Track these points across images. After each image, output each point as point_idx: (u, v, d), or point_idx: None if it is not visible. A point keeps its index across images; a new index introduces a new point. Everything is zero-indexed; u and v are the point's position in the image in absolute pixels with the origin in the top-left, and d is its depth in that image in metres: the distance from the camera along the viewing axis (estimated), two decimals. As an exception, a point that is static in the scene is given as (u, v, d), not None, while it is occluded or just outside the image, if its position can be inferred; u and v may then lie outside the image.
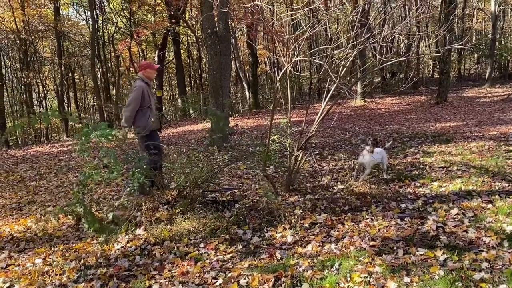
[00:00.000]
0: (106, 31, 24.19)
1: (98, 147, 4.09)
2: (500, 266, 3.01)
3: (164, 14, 20.89)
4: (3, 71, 21.12)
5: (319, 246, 3.59)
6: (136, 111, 5.11)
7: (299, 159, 5.04)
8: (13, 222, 4.95)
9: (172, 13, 18.03)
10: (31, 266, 3.63)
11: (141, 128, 5.10)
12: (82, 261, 3.62)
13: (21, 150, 12.40)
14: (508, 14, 28.12)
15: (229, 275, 3.20)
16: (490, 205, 4.21)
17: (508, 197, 4.38)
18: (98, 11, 21.77)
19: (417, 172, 5.73)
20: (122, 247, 3.88)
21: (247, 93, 21.73)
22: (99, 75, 22.44)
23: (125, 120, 5.07)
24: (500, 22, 24.61)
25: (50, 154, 10.71)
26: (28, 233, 4.52)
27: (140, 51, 24.82)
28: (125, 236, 4.09)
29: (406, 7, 21.35)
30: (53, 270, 3.50)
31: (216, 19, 9.07)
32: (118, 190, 5.97)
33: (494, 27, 20.67)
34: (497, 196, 4.42)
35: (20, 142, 19.01)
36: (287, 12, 5.63)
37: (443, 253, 3.22)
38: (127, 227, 4.24)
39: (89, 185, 4.12)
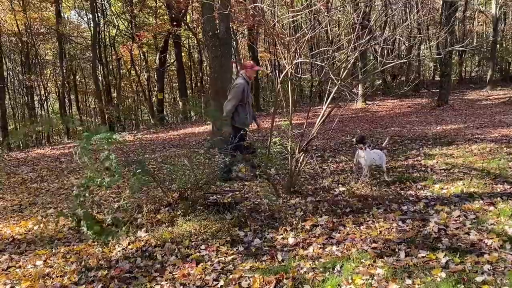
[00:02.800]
0: (107, 34, 24.25)
1: (99, 149, 4.09)
2: (502, 268, 3.00)
3: (165, 17, 20.96)
4: (5, 73, 21.16)
5: (320, 248, 3.59)
6: (236, 106, 5.59)
7: (300, 161, 5.04)
8: (14, 224, 4.95)
9: (174, 15, 18.08)
10: (32, 268, 3.63)
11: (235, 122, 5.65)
12: (83, 263, 3.62)
13: (23, 152, 12.41)
14: (509, 16, 28.12)
15: (230, 277, 3.20)
16: (492, 207, 4.20)
17: (510, 199, 4.37)
18: (99, 14, 21.83)
19: (418, 174, 5.72)
20: (123, 249, 3.88)
21: (248, 95, 21.71)
22: (100, 78, 22.48)
23: (226, 113, 5.58)
24: (501, 24, 24.63)
25: (51, 157, 10.72)
26: (29, 235, 4.52)
27: (141, 54, 24.86)
28: (126, 238, 4.08)
29: (407, 9, 21.35)
30: (54, 272, 3.49)
31: (217, 21, 9.08)
32: (119, 192, 5.96)
33: (495, 30, 20.68)
34: (499, 198, 4.41)
35: (21, 145, 19.03)
36: (288, 14, 5.64)
37: (445, 255, 3.21)
38: (128, 229, 4.23)
39: (91, 187, 4.12)
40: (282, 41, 4.91)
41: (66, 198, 6.01)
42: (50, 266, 3.64)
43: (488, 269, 3.00)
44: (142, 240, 4.00)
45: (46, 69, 25.49)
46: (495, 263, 3.08)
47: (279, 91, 5.01)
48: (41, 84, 23.82)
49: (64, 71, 22.54)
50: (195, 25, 21.15)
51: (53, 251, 3.98)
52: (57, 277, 3.42)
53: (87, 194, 4.07)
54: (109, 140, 3.86)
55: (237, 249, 3.69)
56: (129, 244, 3.96)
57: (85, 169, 4.15)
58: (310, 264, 3.28)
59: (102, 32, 23.21)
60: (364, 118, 14.21)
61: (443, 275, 2.95)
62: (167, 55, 23.02)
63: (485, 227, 3.72)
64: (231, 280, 3.15)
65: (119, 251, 3.84)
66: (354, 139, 5.52)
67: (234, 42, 19.02)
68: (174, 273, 3.34)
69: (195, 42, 24.07)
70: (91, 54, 20.60)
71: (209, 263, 3.47)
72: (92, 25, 20.05)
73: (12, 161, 10.39)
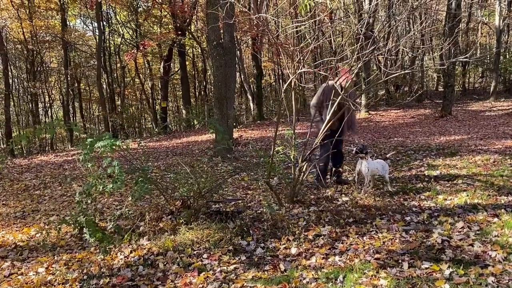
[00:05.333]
0: (112, 42, 24.44)
1: (102, 156, 4.10)
2: (507, 281, 2.97)
3: (170, 26, 21.12)
4: (10, 81, 21.30)
5: (323, 258, 3.57)
6: (316, 107, 5.69)
7: (303, 170, 5.04)
8: (16, 230, 4.95)
9: (178, 25, 18.22)
10: (34, 275, 3.63)
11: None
12: (85, 271, 3.61)
13: (26, 159, 12.45)
14: (512, 28, 28.17)
15: (233, 286, 3.18)
16: (496, 219, 4.18)
17: (514, 211, 4.34)
18: (104, 23, 22.02)
19: (422, 185, 5.70)
20: (125, 257, 3.87)
21: (251, 104, 21.81)
22: (104, 86, 22.61)
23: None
24: (505, 36, 24.64)
25: (54, 164, 10.75)
26: (31, 242, 4.52)
27: (145, 62, 25.02)
28: (128, 246, 4.08)
29: (411, 20, 21.45)
30: (56, 280, 3.49)
31: (221, 31, 9.14)
32: (122, 200, 5.97)
33: (499, 41, 20.70)
34: (503, 210, 4.38)
35: (25, 151, 19.10)
36: (292, 24, 5.67)
37: (449, 267, 3.19)
38: (131, 237, 4.23)
39: (93, 194, 4.13)
40: (286, 50, 4.94)
41: (69, 205, 6.02)
42: (52, 273, 3.64)
43: (492, 281, 2.97)
44: (144, 248, 4.00)
45: (50, 77, 25.67)
46: (499, 276, 3.05)
47: (283, 100, 5.02)
48: (46, 91, 23.96)
49: (69, 78, 22.69)
50: (200, 34, 21.32)
51: (55, 258, 3.98)
52: (59, 284, 3.41)
53: (89, 201, 4.08)
54: (112, 147, 3.87)
55: (239, 258, 3.67)
56: (131, 252, 3.95)
57: (88, 176, 4.16)
58: (312, 274, 3.26)
59: (107, 41, 23.41)
60: (367, 128, 14.20)
61: (447, 286, 2.92)
62: (171, 64, 23.16)
63: (489, 239, 3.70)
64: (233, 290, 3.13)
65: (121, 259, 3.84)
66: (354, 150, 5.49)
67: (238, 52, 19.11)
68: (176, 282, 3.33)
69: (199, 51, 24.22)
70: (95, 62, 20.72)
71: (211, 272, 3.45)
72: (97, 33, 20.22)
73: (16, 167, 10.43)
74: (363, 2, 17.37)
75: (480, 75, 29.37)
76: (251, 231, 4.22)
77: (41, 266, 3.80)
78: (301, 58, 4.77)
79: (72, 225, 4.33)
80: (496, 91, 20.68)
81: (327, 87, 5.61)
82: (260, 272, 3.38)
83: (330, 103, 5.20)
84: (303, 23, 5.28)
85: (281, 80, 26.06)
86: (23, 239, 4.62)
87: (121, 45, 24.00)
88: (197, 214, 4.54)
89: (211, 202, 5.07)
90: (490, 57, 23.80)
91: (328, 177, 6.08)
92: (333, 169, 5.91)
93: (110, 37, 24.17)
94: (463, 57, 7.46)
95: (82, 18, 24.85)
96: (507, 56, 25.88)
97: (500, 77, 23.82)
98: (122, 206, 5.37)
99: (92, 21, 23.49)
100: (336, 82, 5.25)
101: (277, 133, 4.93)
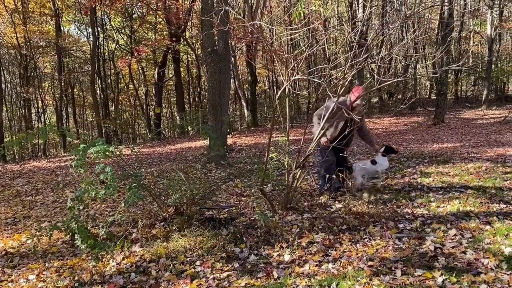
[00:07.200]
0: (106, 48, 24.41)
1: (95, 162, 4.08)
2: (499, 288, 2.99)
3: (164, 32, 21.15)
4: (3, 86, 21.17)
5: (316, 265, 3.56)
6: (318, 120, 5.50)
7: (297, 177, 5.04)
8: (7, 237, 4.90)
9: (173, 31, 18.25)
10: (24, 282, 3.58)
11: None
12: (76, 278, 3.57)
13: (18, 165, 12.34)
14: (504, 37, 28.50)
15: (225, 294, 3.16)
16: (488, 227, 4.20)
17: (506, 219, 4.37)
18: (99, 29, 22.00)
19: (414, 193, 5.72)
20: (117, 264, 3.84)
21: (245, 111, 21.83)
22: (98, 91, 22.54)
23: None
24: (496, 45, 24.90)
25: (47, 169, 10.67)
26: (22, 248, 4.47)
27: (140, 68, 25.00)
28: (120, 252, 4.05)
29: (404, 29, 21.63)
30: (46, 287, 3.45)
31: (216, 37, 9.17)
32: (115, 206, 5.93)
33: (491, 50, 20.93)
34: (495, 218, 4.41)
35: (17, 157, 18.95)
36: (286, 32, 5.70)
37: (441, 274, 3.20)
38: (123, 243, 4.20)
39: (86, 200, 4.10)
40: (280, 58, 4.96)
41: (61, 211, 5.96)
42: (43, 280, 3.60)
43: (484, 288, 2.98)
44: (137, 255, 3.97)
45: (44, 82, 25.55)
46: (491, 283, 3.06)
47: (277, 107, 5.03)
48: (39, 96, 23.84)
49: (62, 84, 22.59)
50: (194, 41, 21.37)
51: (46, 265, 3.94)
52: (49, 291, 3.38)
53: (81, 207, 4.05)
54: (105, 153, 3.85)
55: (232, 266, 3.66)
56: (123, 259, 3.92)
57: (80, 182, 4.13)
58: (306, 282, 3.25)
59: (101, 46, 23.38)
60: (360, 135, 14.22)
61: (440, 294, 2.93)
62: (166, 70, 23.16)
63: (482, 246, 3.72)
64: (226, 297, 3.11)
65: (113, 266, 3.80)
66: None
67: (233, 58, 19.16)
68: (168, 289, 3.31)
69: (194, 57, 24.26)
70: (89, 68, 20.68)
71: (204, 279, 3.43)
72: (91, 39, 20.20)
73: (7, 173, 10.33)
74: (357, 11, 17.53)
75: (472, 83, 29.62)
76: (244, 238, 4.21)
77: (32, 273, 3.76)
78: (295, 65, 4.79)
79: (64, 232, 4.29)
80: (488, 100, 20.87)
81: (336, 105, 5.28)
82: (253, 280, 3.37)
83: (335, 121, 5.23)
84: (297, 30, 5.30)
85: (275, 87, 26.14)
86: (13, 245, 4.56)
87: (115, 51, 23.98)
88: (190, 220, 4.51)
89: (204, 209, 5.05)
90: (482, 65, 24.03)
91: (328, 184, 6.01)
92: (327, 176, 5.88)
93: (105, 43, 24.16)
94: (456, 65, 7.54)
95: (76, 23, 24.84)
96: (499, 65, 26.16)
97: (492, 86, 24.03)
98: (114, 213, 5.33)
99: (87, 27, 23.50)
100: (347, 101, 5.24)
101: (271, 140, 4.94)
